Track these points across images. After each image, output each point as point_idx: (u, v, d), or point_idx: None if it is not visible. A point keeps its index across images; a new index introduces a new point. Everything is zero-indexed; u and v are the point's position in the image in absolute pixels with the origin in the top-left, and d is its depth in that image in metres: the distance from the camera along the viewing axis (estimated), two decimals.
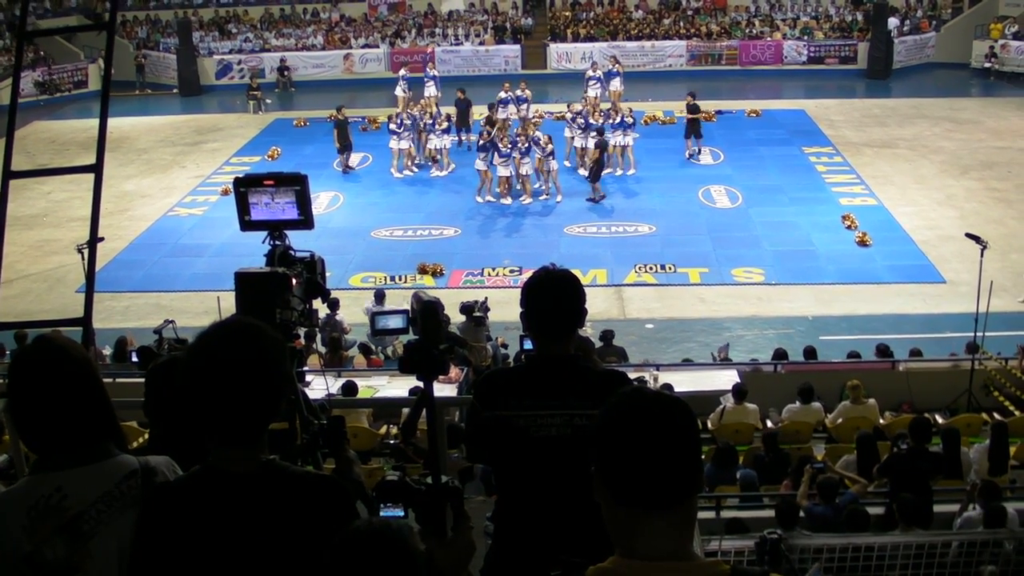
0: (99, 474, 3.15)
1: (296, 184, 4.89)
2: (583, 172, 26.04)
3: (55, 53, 39.94)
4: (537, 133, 25.28)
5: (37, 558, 3.04)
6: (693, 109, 28.10)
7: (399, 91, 31.32)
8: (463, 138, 29.30)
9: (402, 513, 3.47)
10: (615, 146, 26.47)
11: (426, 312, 3.65)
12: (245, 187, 4.91)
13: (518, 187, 25.02)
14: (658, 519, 2.38)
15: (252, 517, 2.81)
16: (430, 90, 31.11)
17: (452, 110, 28.95)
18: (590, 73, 31.47)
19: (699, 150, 28.44)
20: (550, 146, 24.61)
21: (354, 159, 28.45)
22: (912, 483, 9.41)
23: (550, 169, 24.67)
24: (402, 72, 32.63)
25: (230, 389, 2.83)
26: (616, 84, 31.90)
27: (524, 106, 29.24)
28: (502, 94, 28.99)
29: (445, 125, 27.53)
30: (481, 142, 24.89)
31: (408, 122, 26.99)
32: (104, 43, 6.54)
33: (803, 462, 10.78)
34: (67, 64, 39.91)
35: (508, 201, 24.77)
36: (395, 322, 4.23)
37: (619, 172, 26.54)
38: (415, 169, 27.38)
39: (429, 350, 3.61)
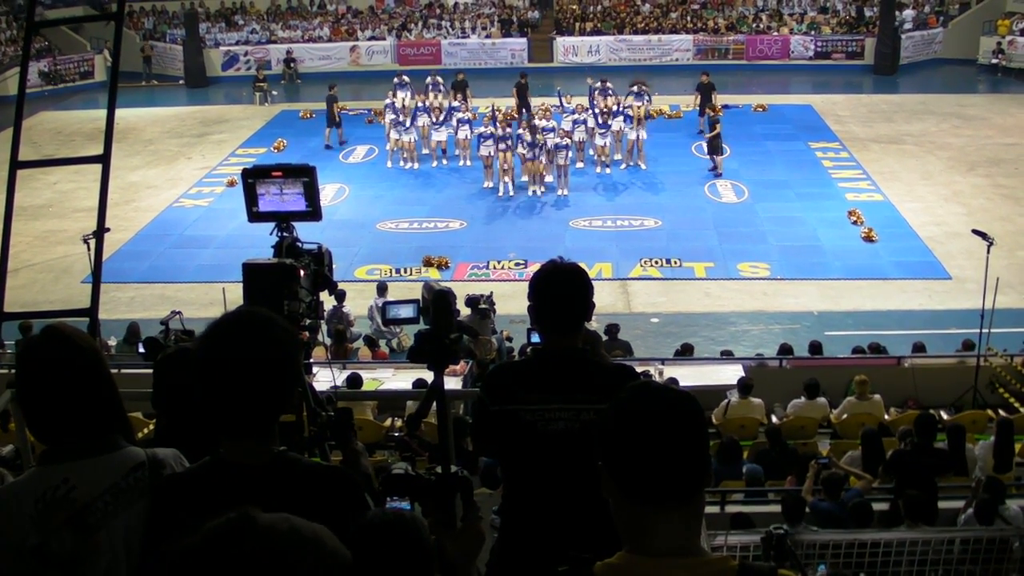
0: (107, 466, 3.14)
1: (304, 176, 4.87)
2: (579, 165, 26.48)
3: (61, 44, 39.93)
4: (552, 123, 25.64)
5: (44, 550, 3.03)
6: (707, 89, 29.27)
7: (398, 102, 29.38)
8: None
9: (408, 506, 3.46)
10: (631, 141, 26.54)
11: (438, 301, 3.64)
12: (253, 178, 4.89)
13: (523, 178, 25.04)
14: (667, 515, 2.36)
15: (262, 509, 2.81)
16: (436, 95, 30.06)
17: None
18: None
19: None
20: (567, 140, 25.08)
21: (359, 152, 28.50)
22: (917, 480, 9.39)
23: (558, 163, 24.73)
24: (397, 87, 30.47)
25: (242, 382, 2.80)
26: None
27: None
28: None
29: (469, 116, 27.54)
30: (484, 130, 25.13)
31: (407, 119, 26.98)
32: (111, 34, 6.53)
33: (808, 458, 10.78)
34: (73, 55, 39.91)
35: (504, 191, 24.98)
36: (406, 312, 4.22)
37: (633, 165, 26.61)
38: (416, 164, 27.37)
39: (440, 339, 3.59)
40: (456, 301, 3.83)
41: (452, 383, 12.66)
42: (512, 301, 16.66)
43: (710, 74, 30.28)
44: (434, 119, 27.16)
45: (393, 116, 27.17)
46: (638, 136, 26.35)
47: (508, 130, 24.74)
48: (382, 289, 17.19)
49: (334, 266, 5.14)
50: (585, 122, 26.12)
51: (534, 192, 24.83)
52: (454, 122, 27.19)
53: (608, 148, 26.34)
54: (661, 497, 2.35)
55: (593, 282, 4.30)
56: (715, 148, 26.26)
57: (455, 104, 28.44)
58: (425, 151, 27.65)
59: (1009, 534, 7.17)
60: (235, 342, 2.85)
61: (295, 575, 1.95)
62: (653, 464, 2.33)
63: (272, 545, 1.95)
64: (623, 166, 26.53)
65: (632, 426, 2.36)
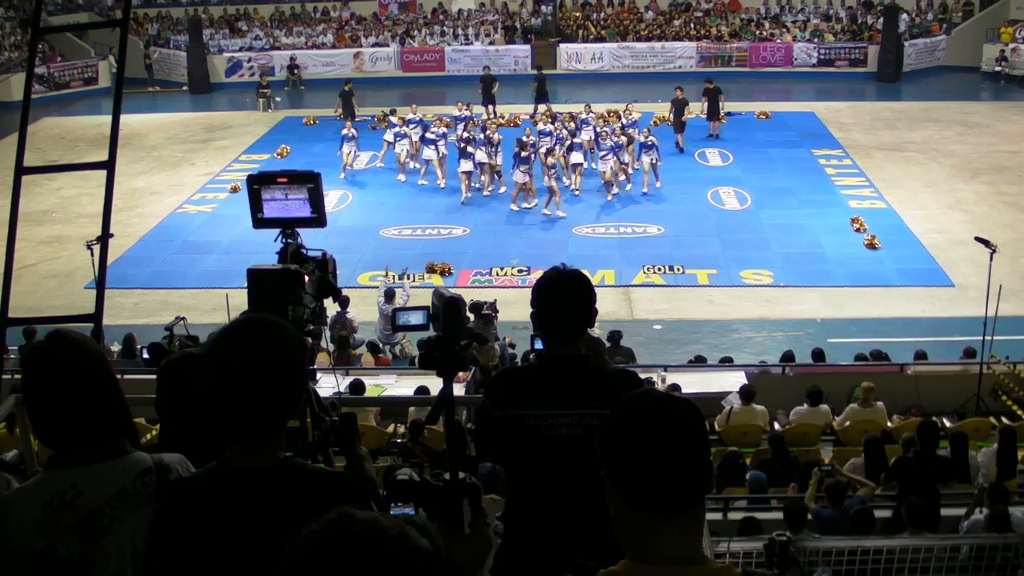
0: (114, 471, 3.16)
1: (309, 182, 4.89)
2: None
3: (66, 50, 40.01)
4: (549, 126, 25.81)
5: (51, 554, 3.05)
6: (714, 94, 30.07)
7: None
8: (489, 109, 30.79)
9: (413, 512, 3.47)
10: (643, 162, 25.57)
11: (448, 308, 3.64)
12: (258, 184, 4.91)
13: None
14: (670, 523, 2.37)
15: (267, 514, 2.82)
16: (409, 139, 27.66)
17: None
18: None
19: (717, 135, 30.34)
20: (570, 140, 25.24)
21: (363, 158, 28.50)
22: (920, 487, 9.39)
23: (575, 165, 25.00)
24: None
25: (250, 387, 2.82)
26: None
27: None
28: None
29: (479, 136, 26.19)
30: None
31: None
32: (116, 40, 6.57)
33: (810, 465, 10.78)
34: (77, 61, 39.98)
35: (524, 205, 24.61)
36: (416, 318, 4.22)
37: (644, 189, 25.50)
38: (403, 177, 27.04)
39: (450, 346, 3.60)
40: (466, 308, 3.83)
41: (455, 389, 12.62)
42: (515, 307, 16.65)
43: (714, 80, 30.92)
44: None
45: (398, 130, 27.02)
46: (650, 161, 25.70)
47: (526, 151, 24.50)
48: (389, 295, 17.20)
49: (338, 272, 5.16)
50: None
51: (521, 208, 24.40)
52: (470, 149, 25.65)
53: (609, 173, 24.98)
54: (663, 505, 2.36)
55: (596, 289, 4.32)
56: (680, 126, 28.56)
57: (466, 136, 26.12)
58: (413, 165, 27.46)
59: (1013, 541, 7.16)
60: (242, 347, 2.86)
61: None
62: (654, 472, 2.34)
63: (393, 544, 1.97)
64: (644, 189, 25.40)
65: (633, 434, 2.37)
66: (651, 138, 25.49)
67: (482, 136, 25.39)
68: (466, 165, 24.83)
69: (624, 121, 26.73)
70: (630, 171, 25.73)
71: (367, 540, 1.97)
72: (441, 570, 2.02)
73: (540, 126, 26.15)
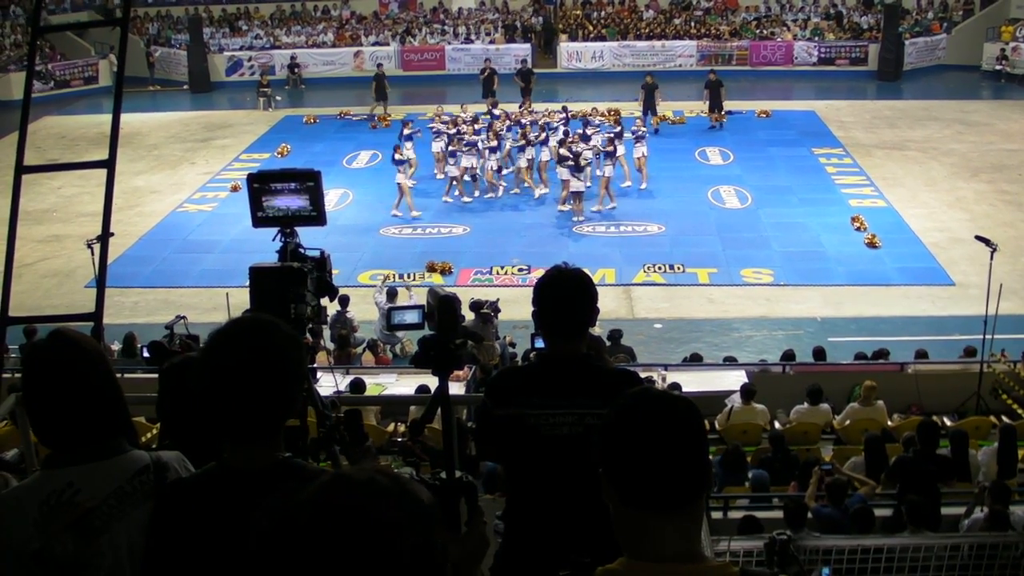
0: (111, 470, 3.15)
1: (309, 180, 4.90)
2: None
3: (66, 49, 40.04)
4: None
5: (47, 554, 3.04)
6: (715, 86, 30.88)
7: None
8: (489, 105, 30.60)
9: None
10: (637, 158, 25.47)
11: (443, 306, 3.64)
12: (259, 183, 4.92)
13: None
14: (667, 520, 2.36)
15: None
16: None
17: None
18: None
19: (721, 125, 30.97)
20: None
21: (363, 157, 28.48)
22: (920, 485, 9.40)
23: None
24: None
25: (246, 387, 2.80)
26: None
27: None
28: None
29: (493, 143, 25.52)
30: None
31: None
32: (116, 39, 6.58)
33: (811, 464, 10.79)
34: (78, 60, 40.00)
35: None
36: (411, 317, 4.22)
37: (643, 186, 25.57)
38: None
39: (445, 344, 3.60)
40: (461, 307, 3.83)
41: (455, 388, 12.64)
42: (515, 306, 16.64)
43: (717, 73, 31.71)
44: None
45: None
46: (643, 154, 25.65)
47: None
48: (392, 294, 17.18)
49: (333, 271, 5.16)
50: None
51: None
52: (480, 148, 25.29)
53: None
54: (660, 503, 2.35)
55: (597, 288, 4.31)
56: (652, 108, 29.95)
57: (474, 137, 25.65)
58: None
59: (1013, 540, 7.16)
60: (237, 349, 2.85)
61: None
62: (652, 470, 2.33)
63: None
64: (595, 207, 24.20)
65: (630, 432, 2.37)
66: (612, 147, 24.17)
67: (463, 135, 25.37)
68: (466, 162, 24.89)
69: (638, 130, 25.86)
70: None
71: (361, 494, 1.97)
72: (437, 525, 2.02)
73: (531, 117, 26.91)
